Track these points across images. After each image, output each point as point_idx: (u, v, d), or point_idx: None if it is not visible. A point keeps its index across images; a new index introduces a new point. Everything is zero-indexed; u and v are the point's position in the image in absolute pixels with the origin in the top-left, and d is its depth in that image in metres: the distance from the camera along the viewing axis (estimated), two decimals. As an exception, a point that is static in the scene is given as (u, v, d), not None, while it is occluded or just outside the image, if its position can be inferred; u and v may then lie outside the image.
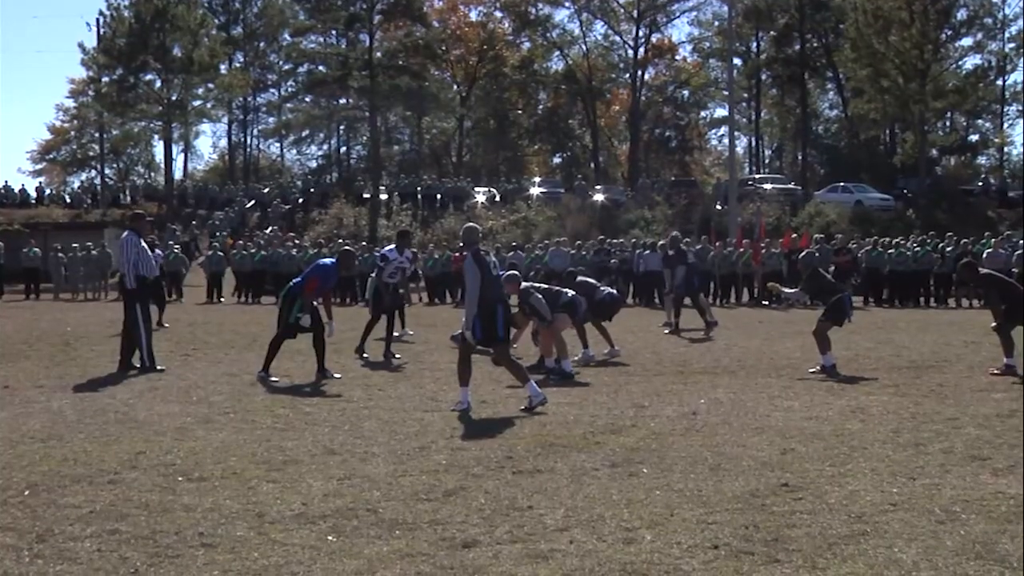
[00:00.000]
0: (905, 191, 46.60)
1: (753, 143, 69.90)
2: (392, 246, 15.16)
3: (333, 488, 6.29)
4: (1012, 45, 56.78)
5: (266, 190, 54.45)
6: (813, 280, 12.48)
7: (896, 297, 26.72)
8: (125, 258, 12.37)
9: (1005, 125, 61.86)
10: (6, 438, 7.87)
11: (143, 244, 12.64)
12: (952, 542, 5.09)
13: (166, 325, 18.01)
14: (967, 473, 6.62)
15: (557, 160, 72.48)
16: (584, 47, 64.79)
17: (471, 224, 10.95)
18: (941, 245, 27.46)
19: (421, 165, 63.84)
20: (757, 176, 54.03)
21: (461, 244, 11.84)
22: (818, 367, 11.72)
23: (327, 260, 13.44)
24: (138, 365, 12.09)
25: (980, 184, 51.01)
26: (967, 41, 54.57)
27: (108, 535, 5.29)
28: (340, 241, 33.41)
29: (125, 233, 12.82)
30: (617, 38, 64.38)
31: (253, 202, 51.69)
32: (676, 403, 9.61)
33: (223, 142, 72.31)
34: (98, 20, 50.93)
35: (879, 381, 11.16)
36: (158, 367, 12.08)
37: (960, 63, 54.74)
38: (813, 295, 12.79)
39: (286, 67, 69.68)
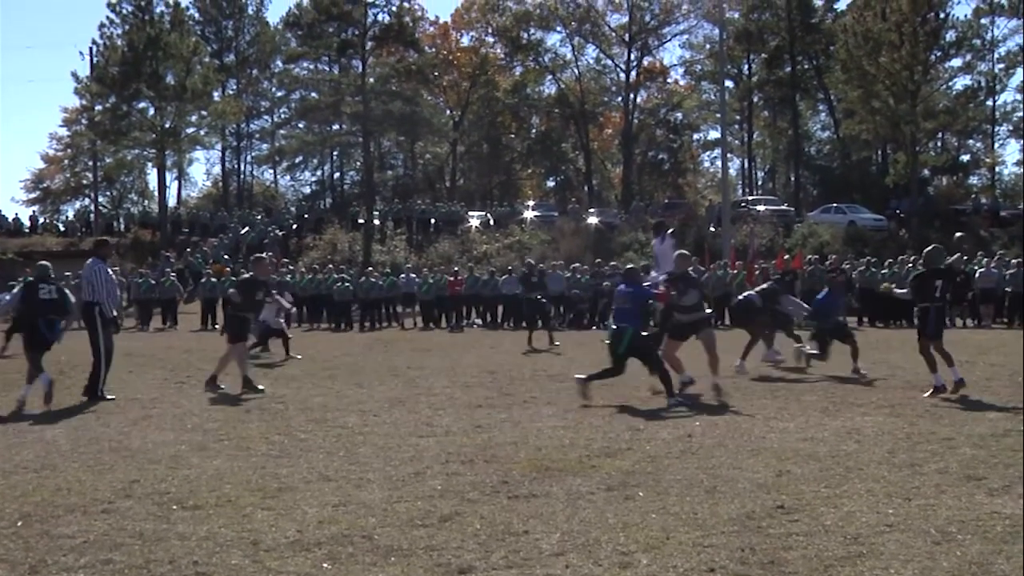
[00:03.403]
0: (898, 211, 46.73)
1: (746, 165, 70.05)
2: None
3: (328, 515, 6.27)
4: (1001, 65, 57.19)
5: (259, 217, 54.47)
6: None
7: (890, 317, 26.78)
8: (99, 286, 12.36)
9: (996, 145, 62.15)
10: (-1, 468, 7.85)
11: (109, 273, 12.70)
12: (948, 563, 5.09)
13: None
14: (963, 493, 6.62)
15: (551, 183, 72.60)
16: (576, 71, 65.03)
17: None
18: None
19: (415, 190, 63.92)
20: (750, 197, 54.12)
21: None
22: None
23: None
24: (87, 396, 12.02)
25: (972, 204, 51.19)
26: (957, 62, 54.91)
27: (102, 565, 5.27)
28: (330, 266, 33.39)
29: (90, 261, 12.74)
30: (609, 62, 64.64)
31: (247, 228, 51.70)
32: (672, 426, 9.60)
33: (216, 169, 72.39)
34: (91, 49, 51.08)
35: (874, 402, 11.17)
36: (108, 396, 12.05)
37: (950, 84, 55.10)
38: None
39: (279, 94, 69.90)
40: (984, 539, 5.50)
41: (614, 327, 11.82)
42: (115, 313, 12.98)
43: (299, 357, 17.77)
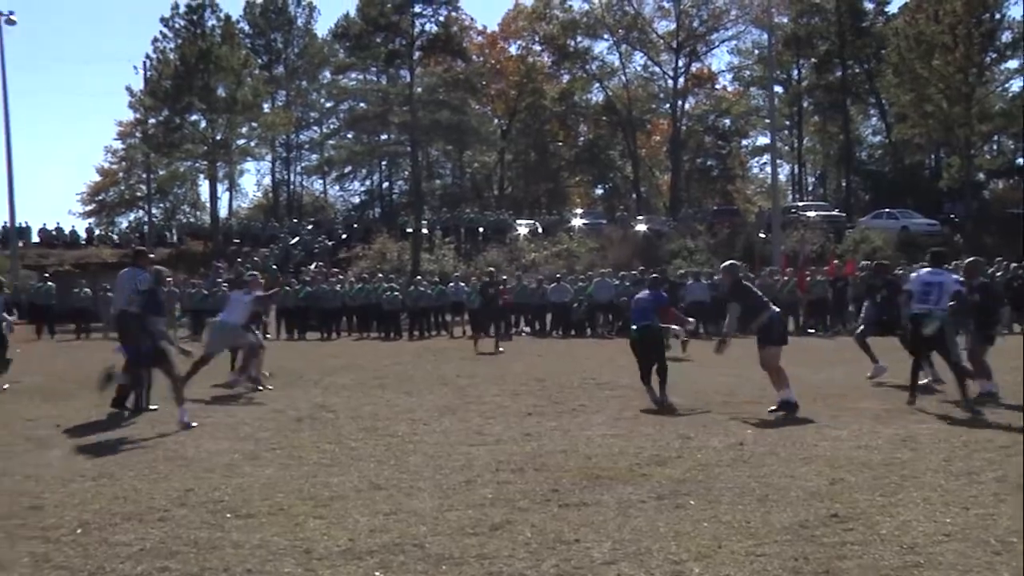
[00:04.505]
0: (952, 216, 46.08)
1: (796, 170, 69.53)
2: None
3: (379, 523, 6.30)
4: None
5: (309, 227, 54.96)
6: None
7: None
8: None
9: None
10: (58, 477, 7.96)
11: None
12: (1009, 573, 5.00)
13: None
14: (1022, 502, 6.50)
15: (598, 191, 72.56)
16: (624, 78, 64.92)
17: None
18: (991, 270, 27.10)
19: (463, 198, 64.12)
20: (800, 204, 53.67)
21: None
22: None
23: None
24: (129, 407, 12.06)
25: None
26: (1013, 63, 54.10)
27: (158, 572, 5.34)
28: (379, 276, 33.54)
29: (128, 271, 12.43)
30: (657, 68, 64.52)
31: (297, 239, 52.16)
32: (722, 434, 9.54)
33: (267, 180, 73.15)
34: (144, 63, 51.89)
35: (928, 409, 11.01)
36: (151, 407, 12.11)
37: (1006, 86, 54.32)
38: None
39: (328, 104, 70.57)
40: (1044, 549, 5.40)
41: (634, 326, 12.39)
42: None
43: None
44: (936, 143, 52.48)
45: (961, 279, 11.93)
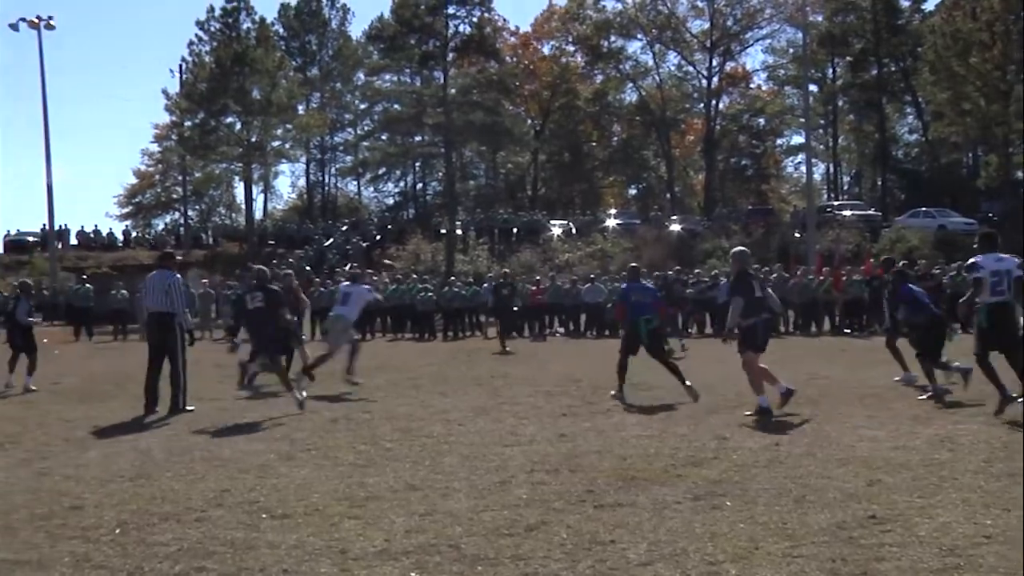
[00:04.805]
0: (990, 214, 45.58)
1: (831, 169, 69.12)
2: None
3: (415, 524, 6.31)
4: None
5: (344, 228, 55.22)
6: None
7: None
8: (178, 298, 12.51)
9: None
10: (97, 477, 8.04)
11: (185, 284, 12.88)
12: (1049, 576, 4.94)
13: None
14: (1064, 504, 6.42)
15: (632, 191, 72.48)
16: (657, 78, 64.87)
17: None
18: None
19: (496, 199, 64.23)
20: (835, 203, 53.36)
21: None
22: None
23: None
24: (156, 409, 12.10)
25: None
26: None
27: (196, 572, 5.38)
28: (414, 276, 33.63)
29: (162, 272, 12.65)
30: (691, 68, 64.41)
31: (331, 240, 52.40)
32: (758, 434, 9.48)
33: (301, 181, 73.69)
34: (180, 66, 52.44)
35: (968, 409, 10.88)
36: (189, 408, 12.20)
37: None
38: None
39: (362, 106, 70.90)
40: (1087, 551, 5.32)
41: (641, 321, 12.90)
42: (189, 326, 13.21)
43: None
44: (973, 141, 52.02)
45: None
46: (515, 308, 26.78)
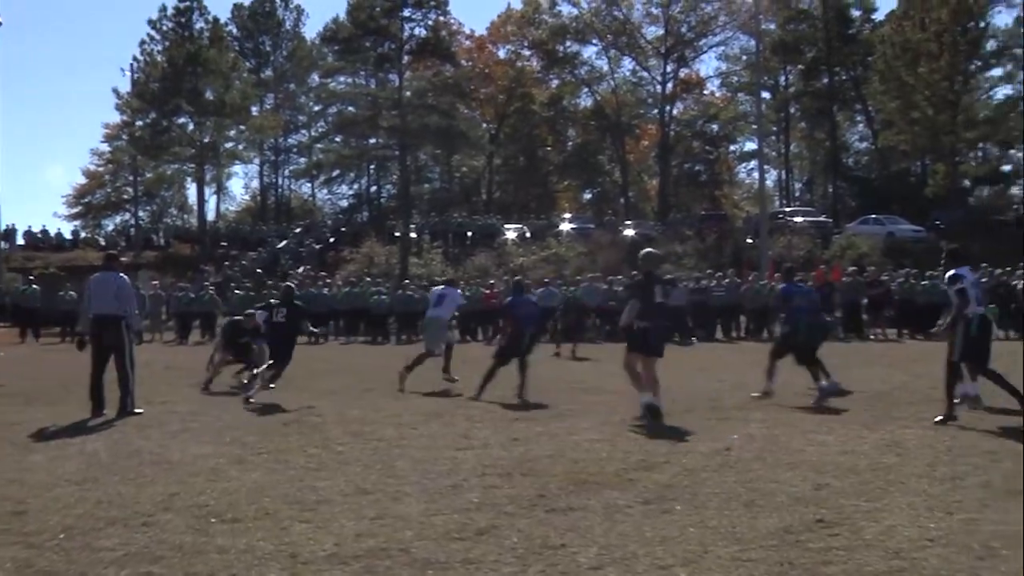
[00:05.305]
0: (938, 222, 46.25)
1: (783, 176, 69.75)
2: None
3: (366, 528, 6.28)
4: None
5: (297, 230, 54.93)
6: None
7: (931, 329, 26.48)
8: (126, 300, 12.37)
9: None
10: (42, 481, 7.92)
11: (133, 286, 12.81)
12: (992, 579, 5.02)
13: None
14: (1006, 508, 6.52)
15: (587, 196, 72.64)
16: (612, 83, 65.07)
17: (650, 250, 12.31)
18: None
19: (451, 203, 64.15)
20: (787, 209, 53.86)
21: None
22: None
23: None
24: (103, 412, 11.96)
25: (1013, 214, 50.62)
26: (998, 71, 54.48)
27: (142, 577, 5.31)
28: (367, 279, 33.54)
29: (107, 274, 12.51)
30: (645, 74, 64.66)
31: (285, 242, 52.10)
32: (709, 439, 9.54)
33: (255, 183, 73.14)
34: (132, 65, 51.83)
35: (915, 414, 11.04)
36: (138, 411, 12.05)
37: (991, 93, 54.64)
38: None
39: (316, 108, 70.49)
40: (1028, 555, 5.42)
41: (521, 331, 13.93)
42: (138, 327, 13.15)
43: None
44: (922, 150, 52.69)
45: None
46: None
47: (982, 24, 48.68)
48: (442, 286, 17.13)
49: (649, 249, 12.42)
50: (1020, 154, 60.08)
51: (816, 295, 14.30)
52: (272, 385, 13.94)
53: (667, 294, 11.76)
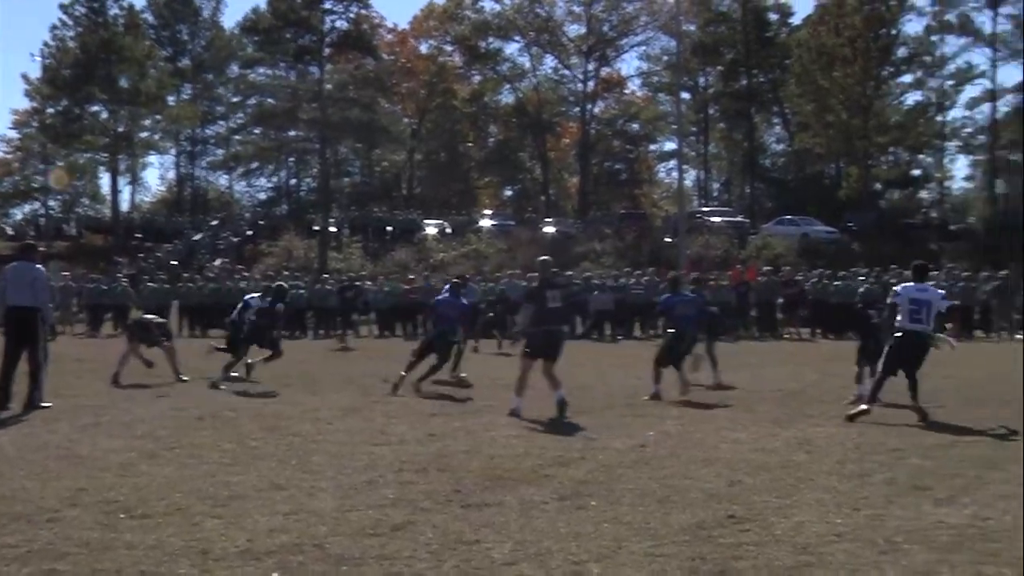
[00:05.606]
0: (850, 224, 47.22)
1: (702, 176, 70.65)
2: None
3: (279, 524, 6.21)
4: (951, 82, 58.14)
5: (214, 223, 54.17)
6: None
7: (843, 328, 27.06)
8: (40, 291, 12.07)
9: (946, 160, 63.14)
10: (-57, 476, 7.70)
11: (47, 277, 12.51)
12: (895, 573, 5.14)
13: None
14: (909, 503, 6.70)
15: (508, 193, 72.71)
16: (534, 80, 65.23)
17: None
18: (886, 278, 27.86)
19: (371, 197, 63.72)
20: (706, 209, 54.52)
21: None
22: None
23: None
24: (10, 405, 11.68)
25: (922, 218, 51.97)
26: (908, 78, 55.91)
27: (46, 575, 5.18)
28: (285, 273, 33.25)
29: (22, 264, 12.17)
30: (567, 72, 64.89)
31: (201, 235, 51.34)
32: (625, 436, 9.63)
33: (171, 174, 71.83)
34: (42, 50, 50.59)
35: (825, 413, 11.27)
36: (44, 404, 11.78)
37: (902, 99, 56.02)
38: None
39: (235, 99, 69.46)
40: (930, 549, 5.56)
41: (441, 328, 14.57)
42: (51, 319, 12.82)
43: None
44: (836, 153, 53.79)
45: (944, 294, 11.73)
46: (358, 309, 28.40)
47: (893, 31, 49.86)
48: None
49: (544, 257, 12.60)
50: (929, 159, 61.86)
51: (701, 298, 14.65)
52: (248, 375, 15.39)
53: (563, 299, 11.82)
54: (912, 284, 11.36)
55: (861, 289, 17.20)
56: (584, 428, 10.15)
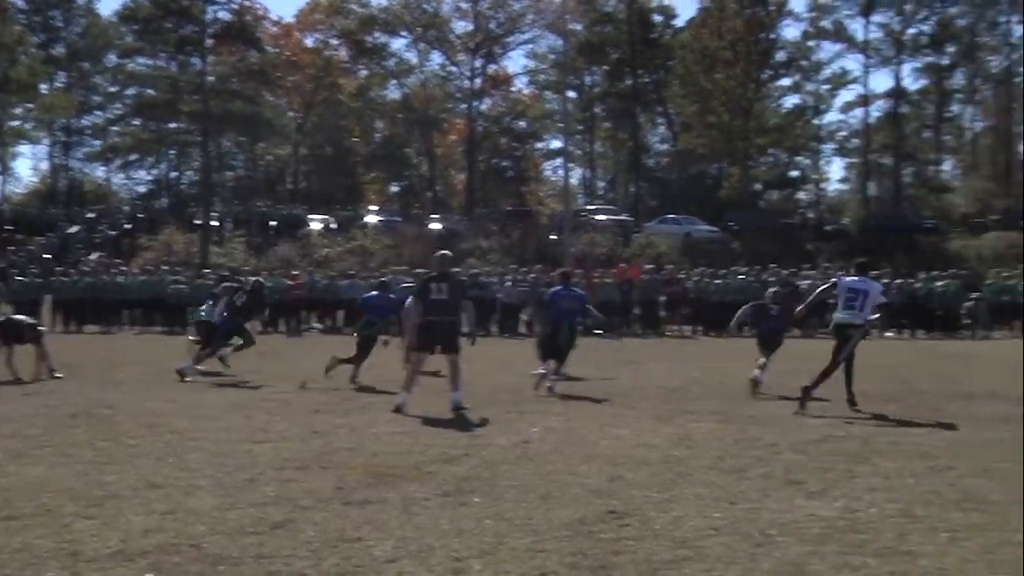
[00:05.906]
0: (731, 223, 48.27)
1: (587, 174, 71.32)
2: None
3: (155, 523, 6.06)
4: (827, 87, 59.95)
5: (90, 215, 52.58)
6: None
7: (723, 327, 27.66)
8: None
9: (822, 162, 65.08)
10: None
11: None
12: (768, 564, 5.26)
13: None
14: (784, 497, 6.87)
15: (394, 189, 72.33)
16: (421, 76, 65.02)
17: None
18: (764, 276, 28.59)
19: (255, 191, 62.73)
20: (591, 207, 55.09)
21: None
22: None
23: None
24: None
25: (799, 218, 53.40)
26: (786, 81, 57.44)
27: (-95, 580, 4.98)
28: (165, 268, 32.49)
29: None
30: (454, 68, 64.83)
31: (77, 228, 49.79)
32: (509, 432, 9.66)
33: (44, 164, 69.49)
34: (-93, 34, 48.45)
35: (706, 408, 11.50)
36: None
37: (780, 102, 57.53)
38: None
39: (112, 89, 67.50)
40: (802, 541, 5.71)
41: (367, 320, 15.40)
42: None
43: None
44: (718, 154, 54.93)
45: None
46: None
47: (772, 36, 51.16)
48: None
49: (441, 252, 12.64)
50: (807, 161, 63.64)
51: (586, 297, 15.06)
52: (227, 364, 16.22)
53: (449, 291, 11.79)
54: (853, 277, 12.33)
55: (771, 291, 17.65)
56: (468, 424, 10.16)
